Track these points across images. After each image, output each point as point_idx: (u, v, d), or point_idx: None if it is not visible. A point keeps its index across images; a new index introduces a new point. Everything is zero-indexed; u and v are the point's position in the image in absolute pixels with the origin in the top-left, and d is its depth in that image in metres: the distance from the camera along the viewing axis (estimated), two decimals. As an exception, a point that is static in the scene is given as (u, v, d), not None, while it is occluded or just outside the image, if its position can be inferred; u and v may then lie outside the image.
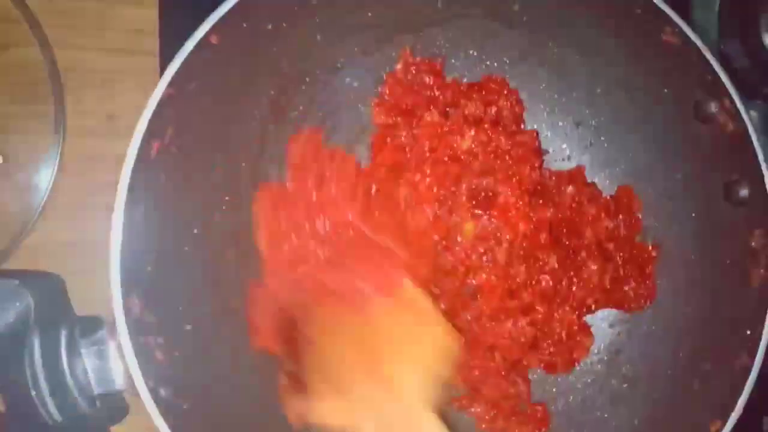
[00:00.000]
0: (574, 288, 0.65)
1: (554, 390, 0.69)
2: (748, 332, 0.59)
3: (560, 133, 0.72)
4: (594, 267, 0.66)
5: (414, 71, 0.67)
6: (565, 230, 0.66)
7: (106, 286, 0.55)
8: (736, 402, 0.57)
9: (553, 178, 0.68)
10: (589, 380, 0.69)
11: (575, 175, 0.69)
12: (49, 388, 0.51)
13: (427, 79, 0.67)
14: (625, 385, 0.67)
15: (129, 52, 0.75)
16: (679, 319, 0.66)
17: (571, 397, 0.68)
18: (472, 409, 0.67)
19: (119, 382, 0.54)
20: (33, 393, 0.51)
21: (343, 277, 0.55)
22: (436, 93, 0.67)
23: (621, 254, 0.67)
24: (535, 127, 0.71)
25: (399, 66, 0.68)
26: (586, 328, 0.67)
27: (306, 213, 0.61)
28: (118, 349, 0.54)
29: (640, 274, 0.67)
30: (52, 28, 0.72)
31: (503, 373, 0.65)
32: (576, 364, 0.68)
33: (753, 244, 0.60)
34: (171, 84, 0.54)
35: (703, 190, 0.64)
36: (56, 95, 0.72)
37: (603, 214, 0.67)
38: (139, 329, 0.55)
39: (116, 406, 0.56)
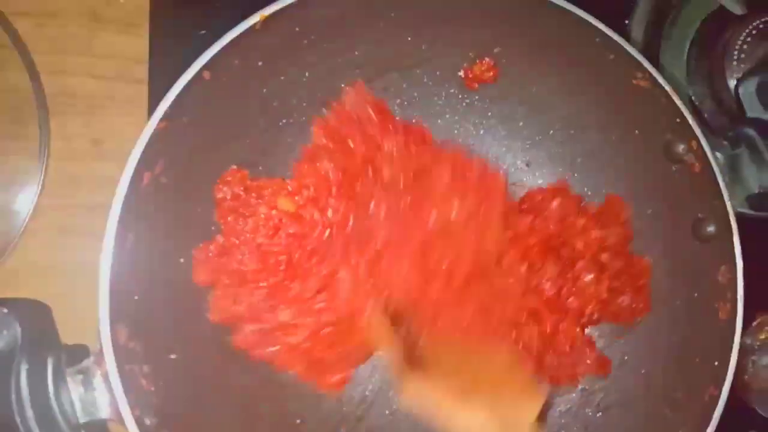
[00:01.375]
0: (572, 299, 0.67)
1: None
2: (716, 363, 0.61)
3: (537, 166, 0.75)
4: (590, 277, 0.67)
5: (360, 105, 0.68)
6: (559, 242, 0.68)
7: (89, 312, 0.56)
8: (706, 429, 0.60)
9: (539, 196, 0.71)
10: (564, 409, 0.71)
11: (560, 190, 0.71)
12: (35, 417, 0.51)
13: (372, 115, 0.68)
14: (599, 414, 0.70)
15: (117, 79, 0.76)
16: (651, 350, 0.68)
17: (548, 426, 0.70)
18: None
19: (104, 411, 0.55)
20: (19, 421, 0.51)
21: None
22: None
23: (615, 265, 0.68)
24: (516, 160, 0.74)
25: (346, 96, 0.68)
26: (589, 342, 0.69)
27: None
28: (104, 378, 0.54)
29: (634, 286, 0.68)
30: (40, 54, 0.73)
31: None
32: (580, 377, 0.69)
33: (719, 279, 0.64)
34: (164, 117, 0.55)
35: (672, 227, 0.67)
36: (41, 119, 0.73)
37: (591, 224, 0.68)
38: (125, 358, 0.55)
39: (101, 434, 0.57)
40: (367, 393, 0.70)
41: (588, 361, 0.69)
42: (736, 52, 0.72)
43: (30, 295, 0.66)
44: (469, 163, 0.66)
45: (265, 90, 0.65)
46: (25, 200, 0.72)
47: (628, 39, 0.63)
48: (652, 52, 0.75)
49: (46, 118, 0.74)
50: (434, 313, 0.60)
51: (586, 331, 0.70)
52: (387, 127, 0.66)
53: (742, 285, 0.62)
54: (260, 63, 0.62)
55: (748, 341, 0.77)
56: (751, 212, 0.76)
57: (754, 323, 0.77)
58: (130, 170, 0.55)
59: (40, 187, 0.73)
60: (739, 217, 0.62)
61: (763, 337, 0.77)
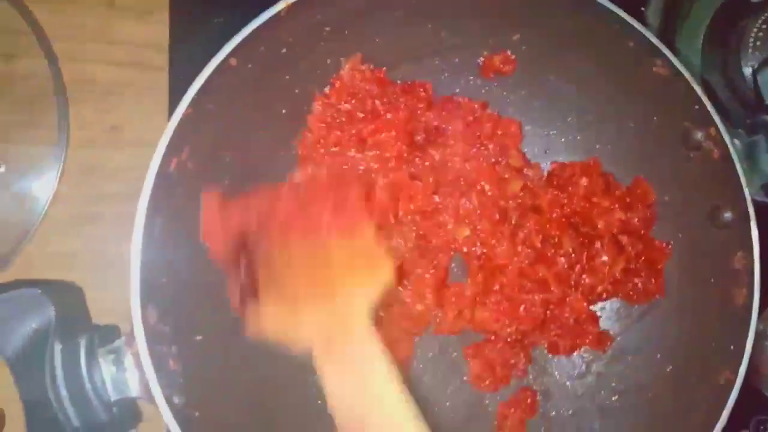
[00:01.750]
0: (585, 276, 0.68)
1: (549, 399, 0.72)
2: (732, 348, 0.62)
3: (554, 153, 0.76)
4: (606, 257, 0.68)
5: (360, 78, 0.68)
6: (580, 220, 0.69)
7: (114, 295, 0.57)
8: (720, 414, 0.61)
9: (568, 172, 0.72)
10: (579, 392, 0.72)
11: (590, 167, 0.72)
12: (69, 396, 0.53)
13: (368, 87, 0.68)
14: (614, 398, 0.71)
15: (136, 65, 0.76)
16: (667, 336, 0.69)
17: (563, 408, 0.71)
18: (469, 360, 0.70)
19: (134, 390, 0.57)
20: (53, 399, 0.53)
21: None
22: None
23: (634, 247, 0.69)
24: (533, 147, 0.75)
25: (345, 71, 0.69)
26: (593, 318, 0.71)
27: None
28: (134, 358, 0.56)
29: (651, 269, 0.69)
30: (59, 40, 0.74)
31: (509, 340, 0.68)
32: (577, 349, 0.71)
33: (735, 265, 0.64)
34: (191, 104, 0.56)
35: (689, 214, 0.68)
36: (60, 106, 0.74)
37: (616, 206, 0.69)
38: (154, 339, 0.57)
39: (131, 412, 0.58)
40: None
41: (589, 337, 0.70)
42: (751, 40, 0.72)
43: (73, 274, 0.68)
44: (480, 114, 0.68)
45: (287, 77, 0.66)
46: (44, 187, 0.73)
47: (644, 26, 0.63)
48: (667, 39, 0.76)
49: (65, 105, 0.74)
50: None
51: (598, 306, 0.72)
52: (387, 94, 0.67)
53: (759, 270, 0.62)
54: (284, 50, 0.63)
55: (761, 327, 0.78)
56: (765, 200, 0.77)
57: (767, 310, 0.78)
58: (159, 156, 0.56)
59: (59, 174, 0.73)
60: (756, 206, 0.63)
61: (775, 323, 0.78)
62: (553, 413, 0.72)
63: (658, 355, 0.70)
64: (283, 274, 0.54)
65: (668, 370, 0.68)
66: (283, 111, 0.67)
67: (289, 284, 0.54)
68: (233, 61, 0.58)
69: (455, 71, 0.73)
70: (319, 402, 0.68)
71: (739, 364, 0.62)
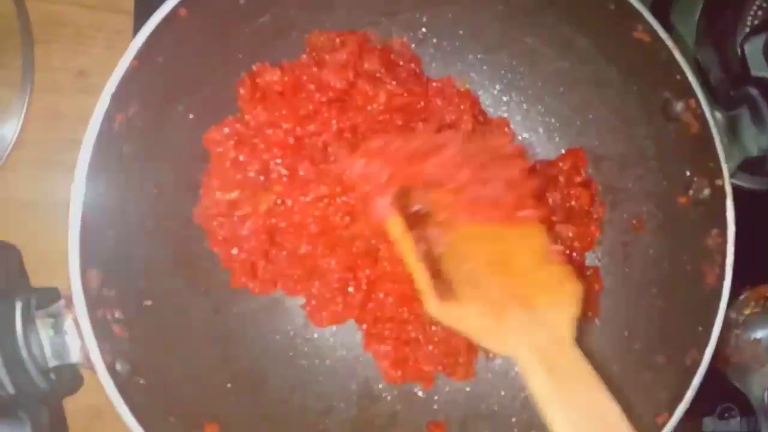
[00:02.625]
0: None
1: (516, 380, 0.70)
2: (699, 328, 0.61)
3: (530, 120, 0.73)
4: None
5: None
6: None
7: (64, 255, 0.55)
8: (684, 395, 0.59)
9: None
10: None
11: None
12: (3, 360, 0.51)
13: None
14: (579, 374, 0.69)
15: (103, 8, 0.74)
16: (635, 312, 0.68)
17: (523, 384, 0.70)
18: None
19: (75, 356, 0.54)
20: (-15, 364, 0.50)
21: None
22: None
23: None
24: (506, 115, 0.72)
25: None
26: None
27: None
28: (74, 323, 0.54)
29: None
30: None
31: None
32: None
33: (709, 243, 0.62)
34: (137, 56, 0.53)
35: (665, 188, 0.65)
36: (25, 48, 0.71)
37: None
38: (97, 303, 0.54)
39: (71, 378, 0.56)
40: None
41: None
42: (750, 17, 0.68)
43: (6, 231, 0.66)
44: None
45: (248, 30, 0.62)
46: (6, 133, 0.70)
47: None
48: (661, 10, 0.72)
49: (31, 48, 0.71)
50: (452, 198, 0.56)
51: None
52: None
53: (733, 250, 0.60)
54: (242, 1, 0.60)
55: (733, 315, 0.76)
56: (746, 185, 0.75)
57: (741, 297, 0.77)
58: (101, 112, 0.53)
59: (22, 119, 0.71)
60: (735, 190, 0.60)
61: (747, 312, 0.76)
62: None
63: (626, 333, 0.68)
64: (479, 272, 0.53)
65: (635, 347, 0.66)
66: (240, 56, 0.64)
67: (491, 286, 0.52)
68: (183, 12, 0.55)
69: (431, 30, 0.70)
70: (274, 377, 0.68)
71: (707, 344, 0.60)
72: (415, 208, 0.57)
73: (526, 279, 0.53)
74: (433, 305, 0.53)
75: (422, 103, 0.66)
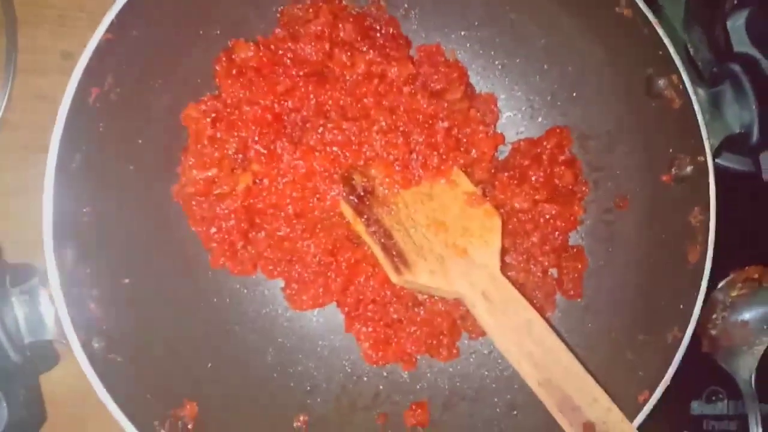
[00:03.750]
0: None
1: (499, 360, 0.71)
2: (681, 306, 0.61)
3: (512, 98, 0.73)
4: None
5: None
6: None
7: (41, 233, 0.55)
8: (665, 373, 0.60)
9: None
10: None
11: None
12: (-23, 336, 0.51)
13: None
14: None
15: None
16: (617, 291, 0.68)
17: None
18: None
19: (50, 332, 0.55)
20: (-42, 340, 0.51)
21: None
22: None
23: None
24: (492, 91, 0.72)
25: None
26: None
27: None
28: (50, 299, 0.54)
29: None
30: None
31: None
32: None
33: (692, 220, 0.63)
34: (109, 29, 0.53)
35: (646, 166, 0.66)
36: (9, 29, 0.71)
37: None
38: (72, 280, 0.55)
39: (47, 354, 0.57)
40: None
41: None
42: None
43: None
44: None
45: (225, 4, 0.62)
46: None
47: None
48: None
49: (14, 29, 0.71)
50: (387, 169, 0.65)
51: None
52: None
53: (714, 228, 0.61)
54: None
55: (720, 297, 0.77)
56: (731, 165, 0.75)
57: (727, 279, 0.77)
58: (73, 85, 0.53)
59: (5, 101, 0.70)
60: (720, 171, 0.61)
61: (734, 294, 0.77)
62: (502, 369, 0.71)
63: (609, 312, 0.68)
64: (423, 236, 0.64)
65: (617, 327, 0.67)
66: (218, 32, 0.64)
67: (433, 245, 0.64)
68: (157, -16, 0.55)
69: (414, 4, 0.70)
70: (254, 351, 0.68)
71: (688, 322, 0.61)
72: (360, 187, 0.65)
73: (458, 229, 0.65)
74: (393, 277, 0.63)
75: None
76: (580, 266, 0.70)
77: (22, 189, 0.70)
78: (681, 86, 0.61)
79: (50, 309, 0.55)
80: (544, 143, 0.70)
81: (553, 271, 0.71)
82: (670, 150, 0.64)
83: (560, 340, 0.59)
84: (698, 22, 0.74)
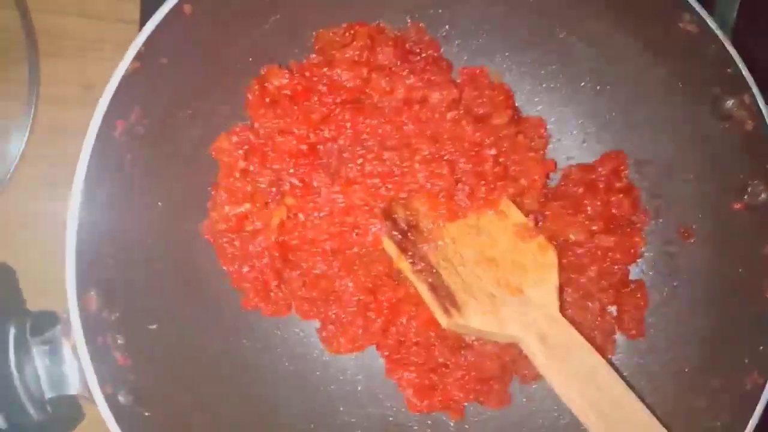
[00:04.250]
0: None
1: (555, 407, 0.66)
2: (761, 348, 0.56)
3: (565, 123, 0.69)
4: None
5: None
6: None
7: (64, 276, 0.52)
8: (746, 423, 0.55)
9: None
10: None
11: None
12: (-7, 392, 0.47)
13: None
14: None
15: (109, 19, 0.73)
16: (684, 331, 0.63)
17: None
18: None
19: (74, 386, 0.51)
20: (-26, 396, 0.47)
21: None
22: None
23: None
24: (541, 115, 0.68)
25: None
26: None
27: None
28: (73, 350, 0.50)
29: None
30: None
31: None
32: None
33: (767, 251, 0.58)
34: (137, 57, 0.50)
35: (717, 193, 0.61)
36: (31, 60, 0.70)
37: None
38: (96, 327, 0.51)
39: (69, 411, 0.53)
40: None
41: None
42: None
43: (6, 250, 0.63)
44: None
45: (257, 30, 0.59)
46: (11, 148, 0.69)
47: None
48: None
49: (36, 61, 0.70)
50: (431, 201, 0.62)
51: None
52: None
53: (795, 260, 0.56)
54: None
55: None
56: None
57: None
58: (98, 119, 0.50)
59: (27, 134, 0.69)
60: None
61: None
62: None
63: (675, 353, 0.63)
64: (472, 273, 0.60)
65: (688, 369, 0.62)
66: (249, 59, 0.61)
67: (483, 283, 0.60)
68: (187, 8, 0.52)
69: (454, 26, 0.66)
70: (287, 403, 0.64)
71: (770, 365, 0.55)
72: (403, 221, 0.61)
73: (509, 265, 0.61)
74: (443, 321, 0.59)
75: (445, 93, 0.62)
76: (642, 303, 0.65)
77: (42, 225, 0.68)
78: (754, 106, 0.56)
79: (73, 360, 0.51)
80: (599, 169, 0.66)
81: (613, 309, 0.66)
82: (741, 176, 0.59)
83: (629, 389, 0.54)
84: (754, 25, 0.69)
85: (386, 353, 0.64)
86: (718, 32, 0.56)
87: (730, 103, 0.58)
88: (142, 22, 0.69)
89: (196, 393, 0.58)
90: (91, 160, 0.50)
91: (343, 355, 0.66)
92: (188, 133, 0.58)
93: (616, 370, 0.63)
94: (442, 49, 0.66)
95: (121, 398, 0.51)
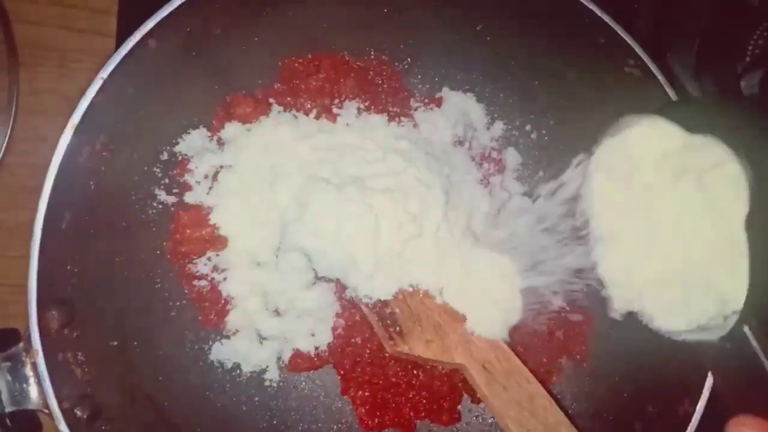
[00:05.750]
0: None
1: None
2: (693, 378, 0.59)
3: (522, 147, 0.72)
4: None
5: None
6: None
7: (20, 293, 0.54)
8: (676, 448, 0.58)
9: None
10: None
11: None
12: (-46, 406, 0.50)
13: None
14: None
15: (91, 32, 0.74)
16: (624, 356, 0.66)
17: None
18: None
19: (34, 401, 0.53)
20: (-65, 411, 0.49)
21: None
22: None
23: None
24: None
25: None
26: None
27: None
28: (32, 367, 0.53)
29: None
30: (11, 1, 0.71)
31: None
32: None
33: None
34: (102, 89, 0.53)
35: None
36: (12, 71, 0.71)
37: None
38: (57, 345, 0.54)
39: (29, 426, 0.55)
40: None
41: None
42: (748, 53, 0.67)
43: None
44: None
45: (224, 59, 0.62)
46: None
47: (631, 27, 0.59)
48: (657, 50, 0.70)
49: (17, 71, 0.71)
50: None
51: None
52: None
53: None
54: (218, 31, 0.59)
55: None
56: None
57: None
58: (63, 146, 0.52)
59: (5, 142, 0.70)
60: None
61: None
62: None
63: (616, 378, 0.66)
64: (415, 303, 0.62)
65: (624, 395, 0.65)
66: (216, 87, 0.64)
67: (425, 310, 0.62)
68: (152, 43, 0.54)
69: (415, 56, 0.69)
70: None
71: (699, 395, 0.58)
72: None
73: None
74: (387, 346, 0.62)
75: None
76: (588, 329, 0.68)
77: (14, 237, 0.70)
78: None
79: (34, 376, 0.53)
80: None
81: (560, 333, 0.69)
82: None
83: (564, 416, 0.57)
84: (708, 79, 0.72)
85: (341, 372, 0.67)
86: (661, 78, 0.59)
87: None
88: (119, 37, 0.73)
89: (157, 408, 0.60)
90: (56, 184, 0.53)
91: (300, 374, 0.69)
92: (154, 158, 0.61)
93: (558, 394, 0.67)
94: (403, 81, 0.69)
95: (78, 413, 0.54)
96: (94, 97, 0.53)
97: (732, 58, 0.66)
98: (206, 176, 0.64)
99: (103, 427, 0.55)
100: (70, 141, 0.53)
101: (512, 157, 0.70)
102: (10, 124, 0.70)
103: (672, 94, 0.60)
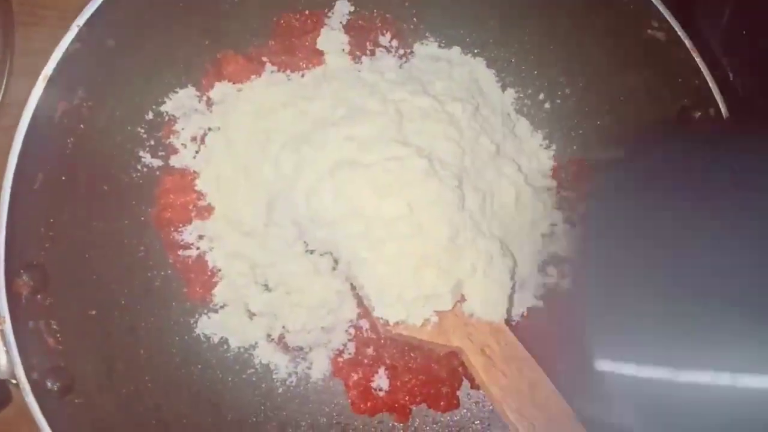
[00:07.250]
0: None
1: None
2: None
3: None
4: None
5: None
6: None
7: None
8: None
9: None
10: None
11: None
12: None
13: None
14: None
15: None
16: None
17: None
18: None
19: (1, 369, 0.51)
20: None
21: None
22: None
23: None
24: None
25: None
26: None
27: None
28: (1, 334, 0.50)
29: None
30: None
31: None
32: None
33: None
34: (77, 38, 0.49)
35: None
36: (5, 30, 0.69)
37: None
38: (29, 312, 0.51)
39: (-2, 394, 0.53)
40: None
41: None
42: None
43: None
44: None
45: (215, 12, 0.59)
46: None
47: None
48: (685, 11, 0.66)
49: (12, 31, 0.69)
50: None
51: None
52: None
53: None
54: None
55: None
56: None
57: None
58: (35, 98, 0.49)
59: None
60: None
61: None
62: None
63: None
64: None
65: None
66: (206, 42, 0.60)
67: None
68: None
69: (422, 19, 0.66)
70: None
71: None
72: None
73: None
74: (382, 327, 0.59)
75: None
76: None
77: None
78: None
79: (2, 344, 0.51)
80: (562, 175, 0.65)
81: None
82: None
83: (569, 407, 0.54)
84: (739, 44, 0.68)
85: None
86: (687, 41, 0.55)
87: (696, 115, 0.57)
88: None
89: (136, 383, 0.58)
90: (26, 142, 0.50)
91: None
92: (138, 117, 0.58)
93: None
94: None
95: (48, 384, 0.51)
96: (70, 46, 0.50)
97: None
98: (193, 139, 0.60)
99: (75, 401, 0.53)
100: (44, 94, 0.49)
101: (524, 128, 0.66)
102: (3, 86, 0.68)
103: (699, 62, 0.55)
